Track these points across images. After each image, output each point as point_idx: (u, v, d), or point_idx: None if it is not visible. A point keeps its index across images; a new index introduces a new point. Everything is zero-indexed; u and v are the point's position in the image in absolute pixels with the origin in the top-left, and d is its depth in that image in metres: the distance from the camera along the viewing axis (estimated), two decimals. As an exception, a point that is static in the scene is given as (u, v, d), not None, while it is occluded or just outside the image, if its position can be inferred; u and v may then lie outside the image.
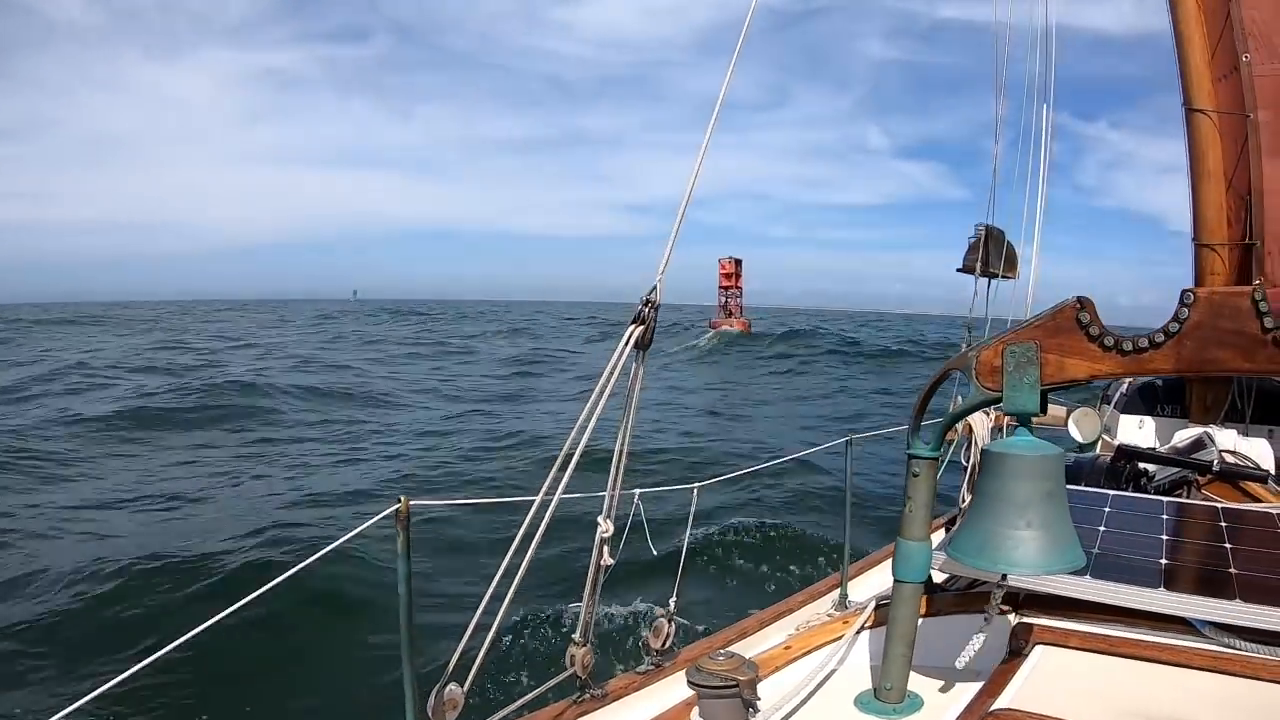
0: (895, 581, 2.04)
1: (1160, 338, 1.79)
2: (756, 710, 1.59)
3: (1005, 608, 2.29)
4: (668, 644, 2.32)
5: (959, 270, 4.98)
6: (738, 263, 56.95)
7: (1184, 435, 4.61)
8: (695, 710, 1.61)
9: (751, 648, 2.64)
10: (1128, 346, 1.80)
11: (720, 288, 56.67)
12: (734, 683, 1.55)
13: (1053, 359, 1.84)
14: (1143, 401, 5.76)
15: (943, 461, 4.29)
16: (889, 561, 3.90)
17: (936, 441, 2.01)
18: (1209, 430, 4.44)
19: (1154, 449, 4.21)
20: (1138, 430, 5.59)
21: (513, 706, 1.98)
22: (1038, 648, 2.00)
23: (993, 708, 1.69)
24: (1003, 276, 5.21)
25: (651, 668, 2.30)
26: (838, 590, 3.21)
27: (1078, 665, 1.94)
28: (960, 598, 2.42)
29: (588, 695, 2.11)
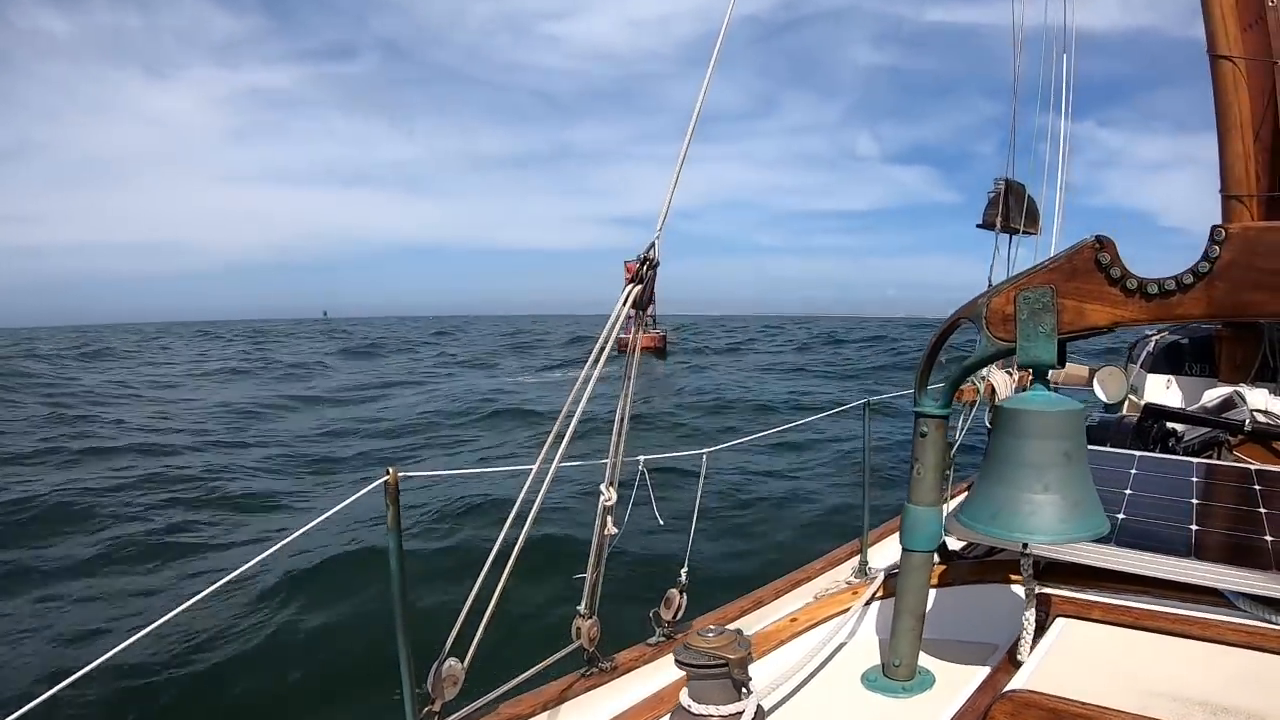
0: (904, 550, 1.92)
1: (1189, 279, 1.60)
2: (749, 690, 1.50)
3: (1018, 578, 2.18)
4: (678, 615, 2.24)
5: (978, 226, 4.81)
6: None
7: (1213, 394, 4.45)
8: (684, 691, 1.52)
9: (767, 618, 2.55)
10: (1153, 290, 1.62)
11: (628, 297, 51.28)
12: (723, 661, 1.45)
13: (1070, 304, 1.67)
14: (1169, 360, 5.59)
15: (960, 423, 4.16)
16: None
17: (945, 399, 1.86)
18: (1239, 389, 4.29)
19: (1182, 409, 4.05)
20: (1165, 390, 5.42)
21: (516, 680, 1.90)
22: (1058, 620, 1.87)
23: (1008, 687, 1.56)
24: (1024, 232, 5.03)
25: (662, 639, 2.23)
26: (858, 557, 3.12)
27: (1101, 640, 1.82)
28: (978, 566, 2.30)
29: (595, 668, 2.04)
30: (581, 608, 1.96)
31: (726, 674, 1.45)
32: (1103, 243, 1.65)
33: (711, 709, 1.45)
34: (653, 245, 1.89)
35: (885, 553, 3.38)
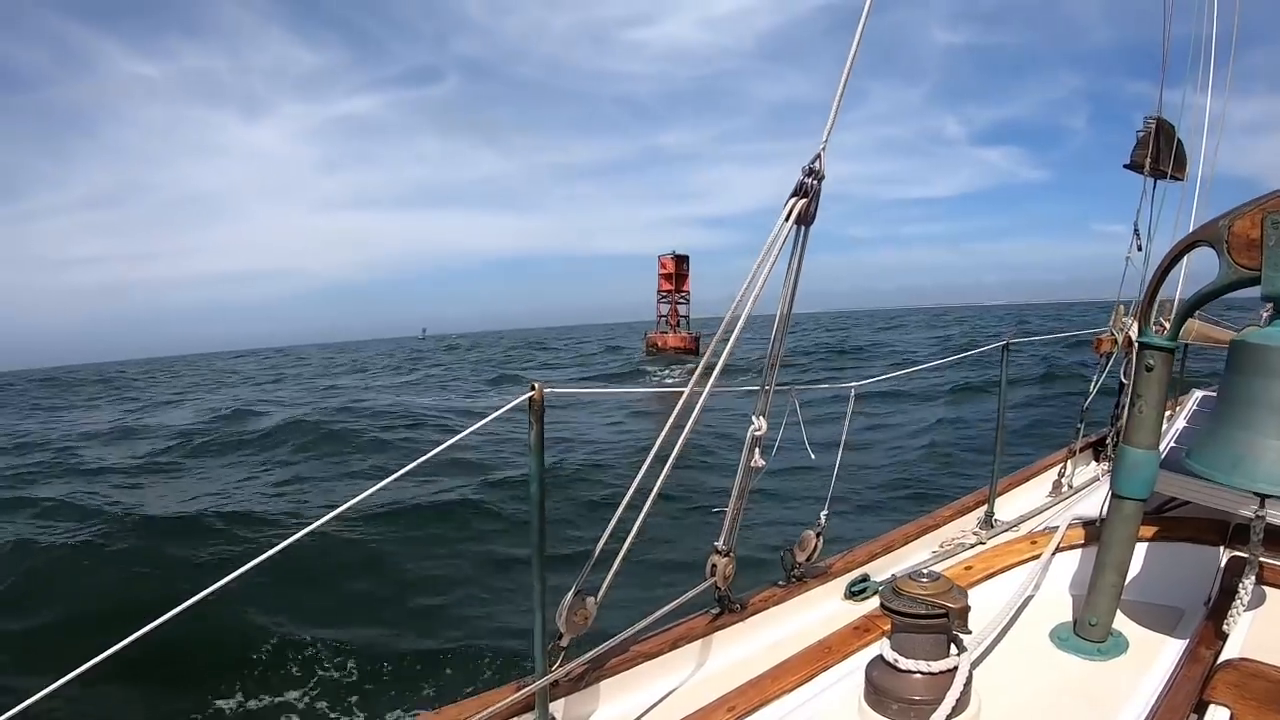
0: (1114, 498, 1.72)
1: None
2: (962, 646, 1.31)
3: (1204, 536, 1.98)
4: (813, 558, 2.12)
5: (1125, 166, 4.38)
6: (681, 260, 45.07)
7: None
8: (886, 643, 1.34)
9: (897, 563, 2.42)
10: None
11: (660, 292, 44.95)
12: (942, 612, 1.26)
13: None
14: None
15: (1096, 376, 3.85)
16: (1036, 480, 3.58)
17: (1173, 330, 1.66)
18: None
19: None
20: None
21: (649, 619, 1.82)
22: (1258, 589, 1.69)
23: (1225, 656, 1.41)
24: (1171, 177, 4.57)
25: (793, 582, 2.12)
26: (984, 508, 2.95)
27: None
28: (1157, 522, 2.09)
29: (726, 609, 1.94)
30: (719, 544, 1.85)
31: (944, 626, 1.27)
32: None
33: (921, 664, 1.27)
34: (818, 156, 1.70)
35: (1010, 505, 3.19)
